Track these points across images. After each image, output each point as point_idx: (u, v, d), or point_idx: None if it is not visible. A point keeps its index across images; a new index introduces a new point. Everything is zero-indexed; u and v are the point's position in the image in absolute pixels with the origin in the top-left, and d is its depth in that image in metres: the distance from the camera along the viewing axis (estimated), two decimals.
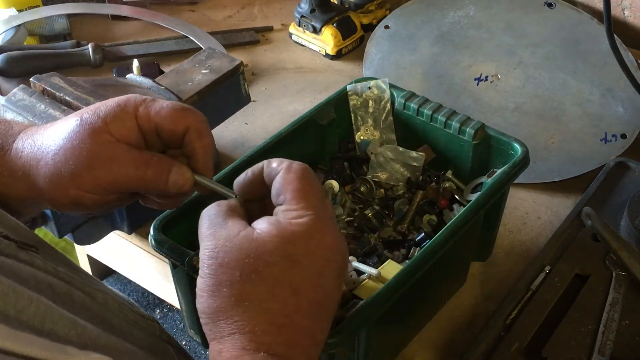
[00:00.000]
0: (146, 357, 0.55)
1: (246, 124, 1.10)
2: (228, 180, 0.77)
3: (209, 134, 0.60)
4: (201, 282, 0.51)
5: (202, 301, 0.50)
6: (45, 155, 0.57)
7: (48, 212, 0.79)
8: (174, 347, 0.63)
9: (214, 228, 0.52)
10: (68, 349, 0.45)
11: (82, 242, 0.88)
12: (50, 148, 0.57)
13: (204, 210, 0.55)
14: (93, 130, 0.56)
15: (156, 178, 0.57)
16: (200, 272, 0.51)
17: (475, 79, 1.11)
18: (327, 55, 1.26)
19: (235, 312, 0.49)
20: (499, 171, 0.77)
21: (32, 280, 0.48)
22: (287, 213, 0.52)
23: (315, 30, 1.25)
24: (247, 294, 0.49)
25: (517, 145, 0.78)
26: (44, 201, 0.58)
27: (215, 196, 0.59)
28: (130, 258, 1.16)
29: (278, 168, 0.54)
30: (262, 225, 0.51)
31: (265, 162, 0.55)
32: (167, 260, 0.71)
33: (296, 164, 0.54)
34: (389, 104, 0.86)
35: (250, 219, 0.54)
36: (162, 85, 0.87)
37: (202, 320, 0.51)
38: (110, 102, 0.59)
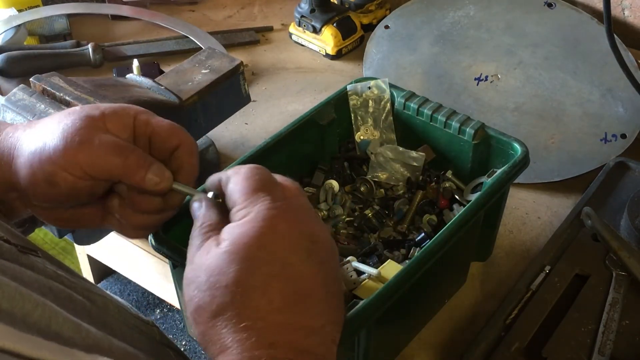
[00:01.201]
0: None
1: (246, 124, 1.10)
2: None
3: (196, 152, 0.62)
4: (187, 311, 0.52)
5: (193, 328, 0.51)
6: (35, 132, 0.58)
7: None
8: (174, 351, 0.63)
9: (191, 253, 0.53)
10: (75, 352, 0.45)
11: (82, 242, 0.88)
12: (42, 126, 0.58)
13: (191, 233, 0.56)
14: (88, 116, 0.58)
15: (136, 167, 0.58)
16: (185, 293, 0.52)
17: (475, 79, 1.11)
18: (327, 55, 1.26)
19: (214, 332, 0.49)
20: (499, 171, 0.77)
21: (36, 283, 0.48)
22: (237, 214, 0.52)
23: (315, 30, 1.25)
24: (219, 311, 0.49)
25: (517, 145, 0.78)
26: (18, 180, 0.58)
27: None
28: (130, 258, 1.16)
29: (228, 176, 0.55)
30: (222, 236, 0.52)
31: (218, 177, 0.57)
32: (167, 260, 0.71)
33: (244, 167, 0.55)
34: (389, 104, 0.86)
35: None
36: (162, 85, 0.87)
37: (196, 338, 0.52)
38: (115, 104, 0.61)
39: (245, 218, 0.52)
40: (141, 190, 0.60)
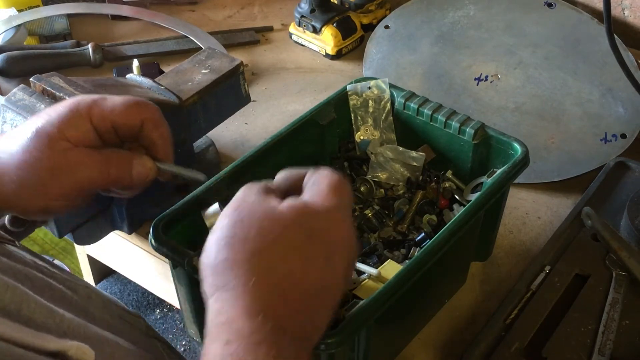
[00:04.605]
0: (129, 348, 0.55)
1: (246, 124, 1.10)
2: (229, 180, 0.77)
3: (164, 122, 0.62)
4: (215, 234, 0.50)
5: (211, 252, 0.50)
6: (9, 170, 0.57)
7: None
8: (162, 342, 0.63)
9: (245, 192, 0.53)
10: (45, 335, 0.45)
11: (82, 242, 0.87)
12: (12, 162, 0.57)
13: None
14: (50, 140, 0.57)
15: (120, 175, 0.59)
16: (216, 225, 0.51)
17: (475, 79, 1.11)
18: (327, 55, 1.26)
19: (243, 265, 0.48)
20: (499, 171, 0.77)
21: (10, 270, 0.49)
22: (315, 195, 0.52)
23: (315, 30, 1.25)
24: (258, 251, 0.49)
25: (517, 145, 0.78)
26: (12, 212, 0.59)
27: (182, 180, 0.63)
28: (130, 258, 1.16)
29: (320, 171, 0.55)
30: (287, 201, 0.52)
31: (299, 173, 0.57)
32: (167, 260, 0.71)
33: (337, 174, 0.55)
34: (389, 104, 0.86)
35: None
36: (162, 85, 0.87)
37: (205, 274, 0.50)
38: (62, 108, 0.59)
39: (324, 202, 0.52)
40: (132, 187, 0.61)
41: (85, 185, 0.58)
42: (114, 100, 0.60)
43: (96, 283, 1.69)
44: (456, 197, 0.83)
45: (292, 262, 0.49)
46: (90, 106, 0.59)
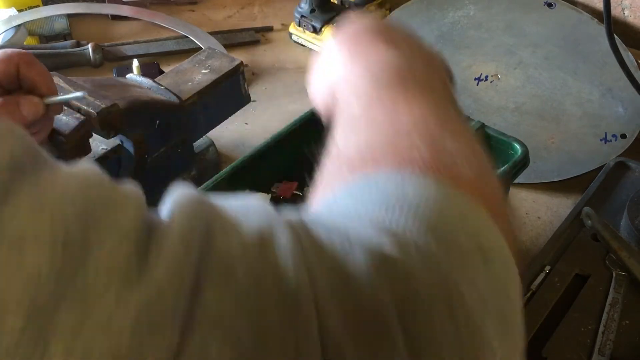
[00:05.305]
0: None
1: (246, 124, 1.10)
2: (229, 180, 0.77)
3: (37, 61, 0.66)
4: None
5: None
6: None
7: None
8: None
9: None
10: None
11: None
12: None
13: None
14: None
15: (11, 116, 0.62)
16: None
17: (475, 79, 1.11)
18: None
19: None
20: (498, 171, 0.77)
21: None
22: None
23: (315, 30, 1.25)
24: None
25: (517, 145, 0.78)
26: None
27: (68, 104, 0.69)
28: None
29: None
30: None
31: None
32: None
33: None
34: None
35: None
36: (162, 85, 0.87)
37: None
38: None
39: None
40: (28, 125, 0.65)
41: None
42: None
43: None
44: None
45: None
46: None
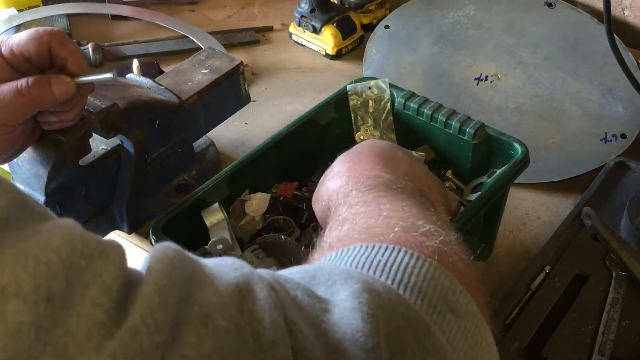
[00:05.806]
0: None
1: (246, 124, 1.10)
2: (229, 180, 0.77)
3: (70, 40, 0.66)
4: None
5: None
6: None
7: None
8: None
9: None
10: None
11: None
12: None
13: None
14: None
15: (42, 95, 0.63)
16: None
17: (475, 79, 1.11)
18: (327, 55, 1.25)
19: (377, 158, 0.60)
20: (499, 171, 0.77)
21: None
22: None
23: (315, 30, 1.25)
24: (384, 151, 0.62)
25: (517, 145, 0.78)
26: None
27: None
28: (130, 258, 1.16)
29: None
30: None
31: None
32: None
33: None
34: (389, 104, 0.86)
35: None
36: (162, 85, 0.87)
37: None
38: None
39: None
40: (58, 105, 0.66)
41: (15, 112, 0.63)
42: (19, 35, 0.65)
43: None
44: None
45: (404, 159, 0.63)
46: None
